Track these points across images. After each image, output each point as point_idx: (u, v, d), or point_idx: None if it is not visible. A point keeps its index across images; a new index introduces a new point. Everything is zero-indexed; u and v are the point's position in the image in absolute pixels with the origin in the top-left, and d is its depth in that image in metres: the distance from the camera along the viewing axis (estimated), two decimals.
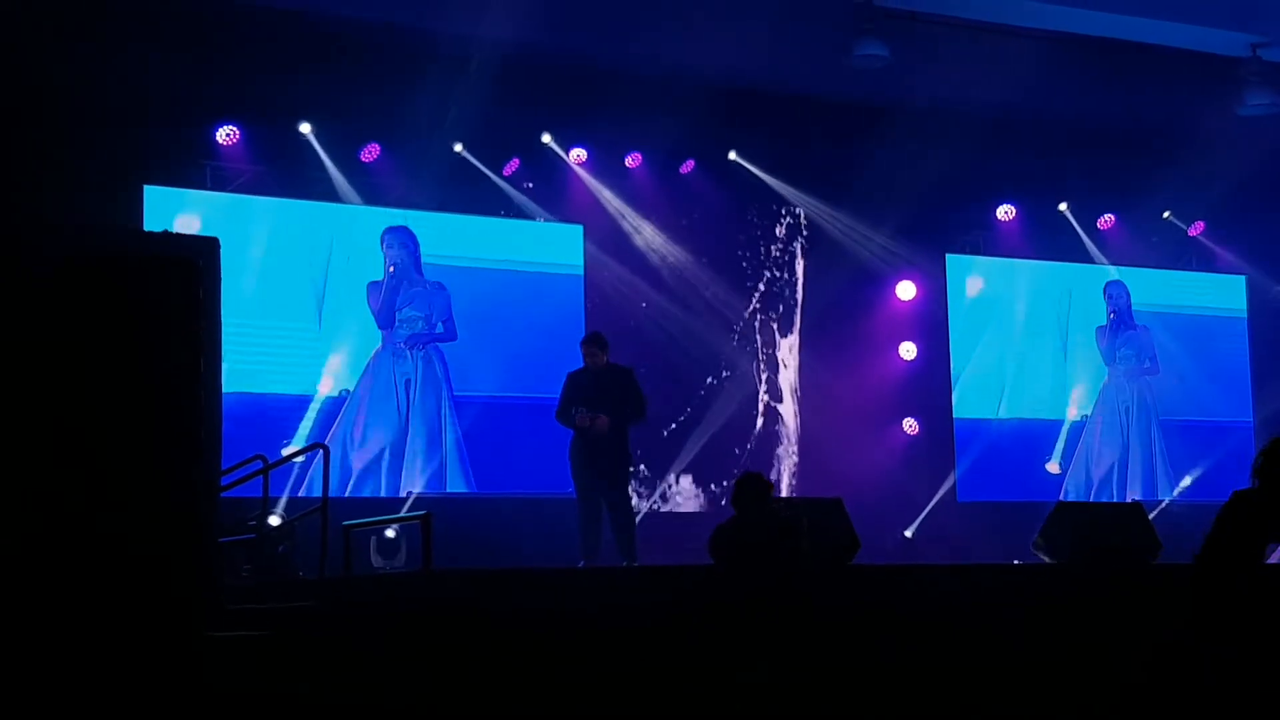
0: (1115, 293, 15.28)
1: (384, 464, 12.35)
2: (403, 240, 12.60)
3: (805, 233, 14.14)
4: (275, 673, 7.38)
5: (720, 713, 7.31)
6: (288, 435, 11.88)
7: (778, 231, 14.04)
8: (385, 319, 12.50)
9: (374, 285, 12.49)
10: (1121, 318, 15.24)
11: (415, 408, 12.49)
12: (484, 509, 12.26)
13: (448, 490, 12.43)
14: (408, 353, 12.55)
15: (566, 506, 11.71)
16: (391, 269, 12.51)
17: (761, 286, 13.92)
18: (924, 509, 14.10)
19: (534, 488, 12.50)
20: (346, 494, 11.93)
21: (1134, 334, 15.26)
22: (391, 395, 12.44)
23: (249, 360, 11.57)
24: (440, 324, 12.69)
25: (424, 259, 12.68)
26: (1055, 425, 14.89)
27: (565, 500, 11.84)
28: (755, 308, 13.90)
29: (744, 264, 13.88)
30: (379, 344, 12.47)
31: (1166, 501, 14.77)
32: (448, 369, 12.65)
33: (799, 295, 14.06)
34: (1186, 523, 14.25)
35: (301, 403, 12.07)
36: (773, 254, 13.99)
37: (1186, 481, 15.12)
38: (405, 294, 12.59)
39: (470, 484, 12.62)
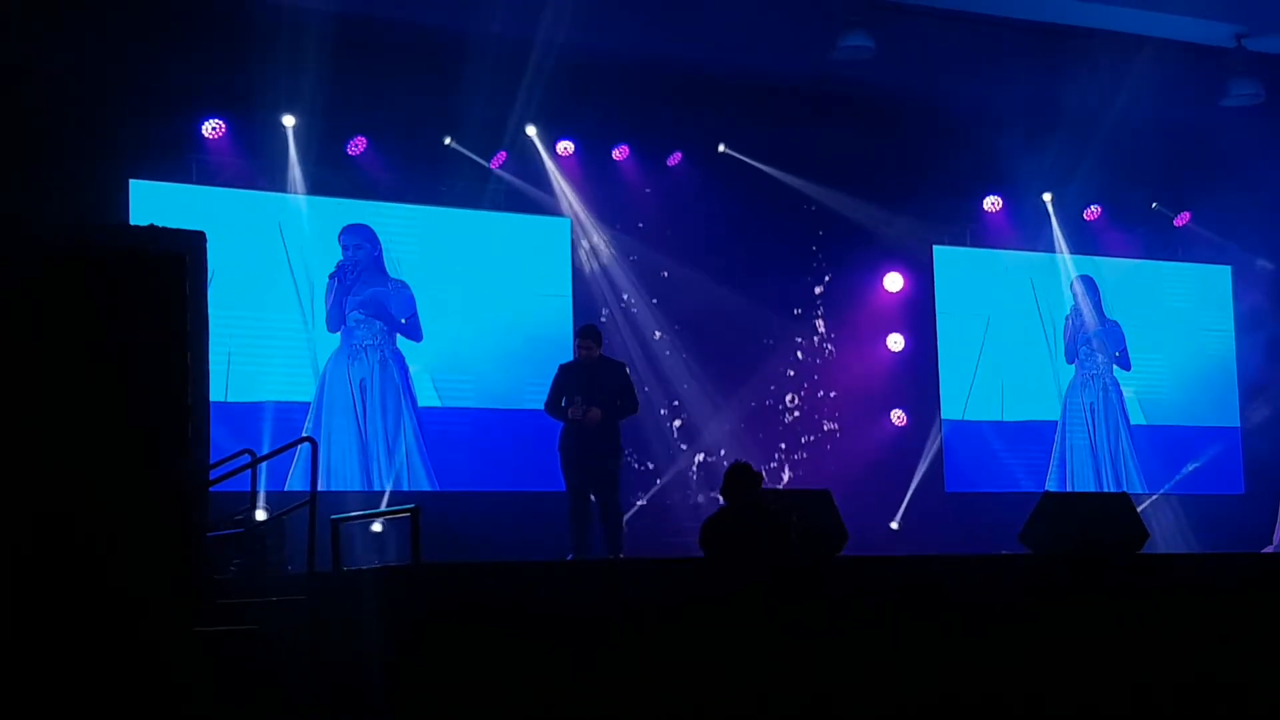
0: (1081, 288, 15.12)
1: (345, 466, 12.18)
2: (359, 240, 12.37)
3: (792, 226, 14.12)
4: (264, 667, 7.38)
5: (710, 704, 7.32)
6: (260, 440, 11.57)
7: (764, 225, 14.02)
8: (334, 321, 12.26)
9: (331, 286, 12.31)
10: (1084, 314, 15.12)
11: (373, 411, 12.30)
12: (456, 506, 12.11)
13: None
14: (363, 355, 12.35)
15: (540, 502, 11.75)
16: (344, 271, 12.28)
17: (748, 280, 13.88)
18: (910, 500, 14.13)
19: (501, 485, 12.44)
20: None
21: (1099, 330, 15.17)
22: (347, 398, 12.24)
23: (237, 362, 11.52)
24: (403, 320, 12.50)
25: (408, 255, 12.60)
26: (1045, 424, 14.89)
27: (538, 496, 11.88)
28: (742, 300, 13.87)
29: (730, 257, 13.85)
30: (337, 345, 12.29)
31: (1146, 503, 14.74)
32: (407, 372, 12.47)
33: (786, 287, 14.04)
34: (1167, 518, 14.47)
35: (282, 407, 11.96)
36: (759, 247, 13.95)
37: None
38: (360, 294, 12.36)
39: (433, 486, 12.42)
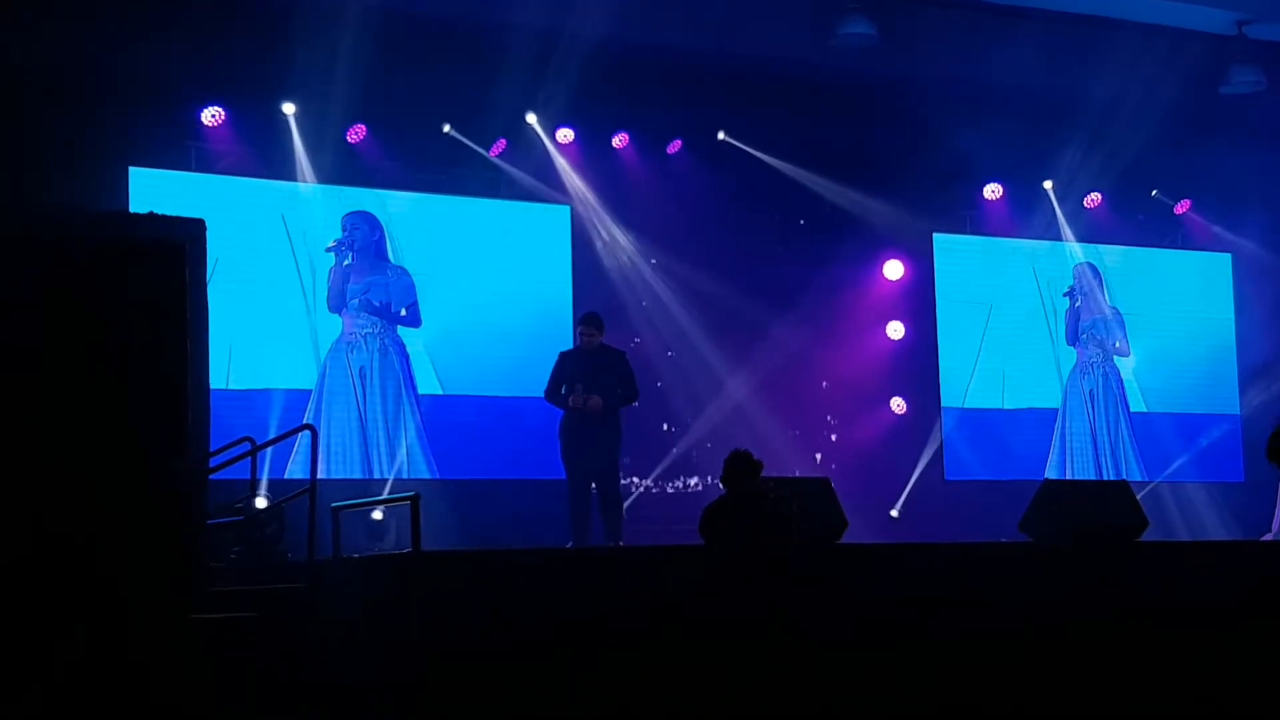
0: (1081, 274, 15.13)
1: (345, 453, 12.18)
2: (357, 223, 12.37)
3: (792, 213, 14.11)
4: (264, 654, 7.39)
5: (710, 691, 7.33)
6: (261, 428, 11.46)
7: (764, 212, 14.00)
8: (335, 303, 12.26)
9: (333, 269, 12.32)
10: (1087, 300, 15.14)
11: (373, 398, 12.30)
12: (456, 494, 12.10)
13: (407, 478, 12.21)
14: (363, 342, 12.35)
15: (540, 490, 11.74)
16: (340, 251, 12.27)
17: (749, 267, 13.86)
18: (910, 489, 14.14)
19: (501, 473, 12.43)
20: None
21: (1100, 318, 15.16)
22: (347, 386, 12.24)
23: (239, 350, 11.52)
24: (403, 309, 12.49)
25: (408, 242, 12.58)
26: (1046, 412, 14.89)
27: (540, 484, 11.87)
28: (743, 288, 13.84)
29: (730, 244, 13.83)
30: (338, 333, 12.30)
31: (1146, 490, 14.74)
32: (407, 360, 12.47)
33: (786, 275, 14.02)
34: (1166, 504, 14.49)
35: (287, 395, 11.96)
36: (759, 234, 13.94)
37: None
38: (362, 280, 12.36)
39: (434, 474, 12.42)
